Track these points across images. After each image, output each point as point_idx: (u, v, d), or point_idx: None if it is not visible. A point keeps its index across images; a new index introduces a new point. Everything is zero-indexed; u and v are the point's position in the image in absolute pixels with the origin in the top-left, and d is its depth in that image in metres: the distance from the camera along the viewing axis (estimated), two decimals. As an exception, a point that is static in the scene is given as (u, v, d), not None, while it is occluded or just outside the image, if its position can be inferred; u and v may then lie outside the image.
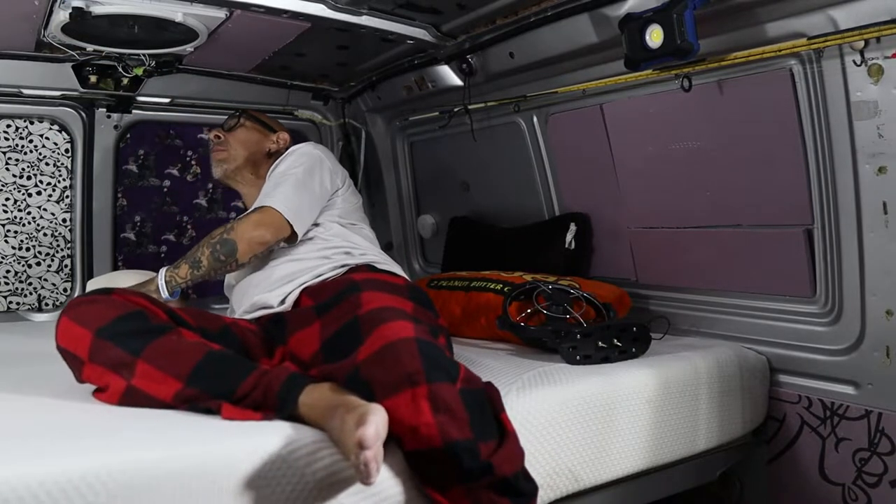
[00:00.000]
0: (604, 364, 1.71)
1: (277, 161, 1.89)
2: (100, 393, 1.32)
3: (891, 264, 1.61)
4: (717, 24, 1.73)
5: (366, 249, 1.83)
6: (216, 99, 2.80)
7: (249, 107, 2.18)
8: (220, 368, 1.29)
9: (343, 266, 1.73)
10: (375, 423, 1.09)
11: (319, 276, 1.71)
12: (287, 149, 1.96)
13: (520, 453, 1.24)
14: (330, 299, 1.57)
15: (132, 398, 1.27)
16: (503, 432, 1.24)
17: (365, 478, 1.08)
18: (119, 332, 1.30)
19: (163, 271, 1.71)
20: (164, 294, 1.68)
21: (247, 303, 1.75)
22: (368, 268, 1.73)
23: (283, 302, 1.69)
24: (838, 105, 1.63)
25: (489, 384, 1.31)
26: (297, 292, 1.68)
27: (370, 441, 1.07)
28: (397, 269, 1.80)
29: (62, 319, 1.34)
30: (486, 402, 1.25)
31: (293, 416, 1.23)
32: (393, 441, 1.19)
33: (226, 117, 2.07)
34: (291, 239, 1.76)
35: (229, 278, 1.92)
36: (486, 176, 2.80)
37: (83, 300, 1.38)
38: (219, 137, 2.00)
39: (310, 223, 1.79)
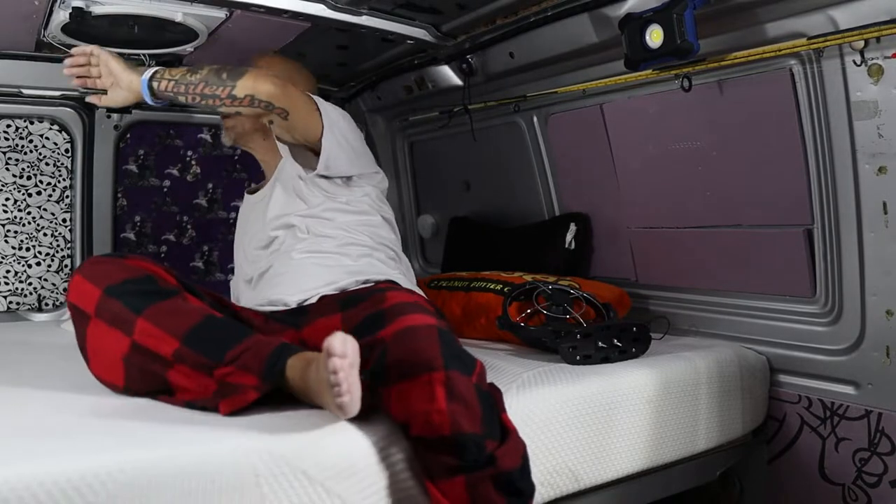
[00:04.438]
0: (604, 364, 1.71)
1: None
2: (99, 361, 1.33)
3: (891, 264, 1.61)
4: (717, 24, 1.73)
5: (387, 260, 1.75)
6: (216, 99, 2.80)
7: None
8: (216, 332, 1.30)
9: (367, 282, 1.65)
10: (342, 336, 1.10)
11: (342, 290, 1.63)
12: None
13: (521, 448, 1.24)
14: (354, 295, 1.55)
15: (136, 356, 1.28)
16: (505, 432, 1.24)
17: (339, 394, 1.09)
18: (126, 291, 1.32)
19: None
20: (144, 78, 1.56)
21: (261, 298, 1.69)
22: (391, 283, 1.66)
23: (301, 303, 1.63)
24: (838, 105, 1.63)
25: (492, 385, 1.31)
26: (315, 298, 1.62)
27: (337, 347, 1.08)
28: (417, 288, 1.74)
29: (75, 276, 1.36)
30: (494, 403, 1.26)
31: (282, 385, 1.24)
32: (398, 429, 1.20)
33: None
34: (307, 130, 1.63)
35: (241, 271, 1.85)
36: (486, 176, 2.80)
37: (98, 260, 1.41)
38: None
39: (337, 140, 1.67)
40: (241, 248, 1.93)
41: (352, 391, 1.11)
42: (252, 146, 1.94)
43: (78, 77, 1.61)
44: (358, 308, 1.48)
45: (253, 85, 1.54)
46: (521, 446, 1.25)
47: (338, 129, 1.69)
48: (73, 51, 1.61)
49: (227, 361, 1.25)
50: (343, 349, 1.09)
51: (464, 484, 1.16)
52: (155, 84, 1.56)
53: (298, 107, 1.62)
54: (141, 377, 1.31)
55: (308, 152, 1.74)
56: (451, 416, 1.16)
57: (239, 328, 1.35)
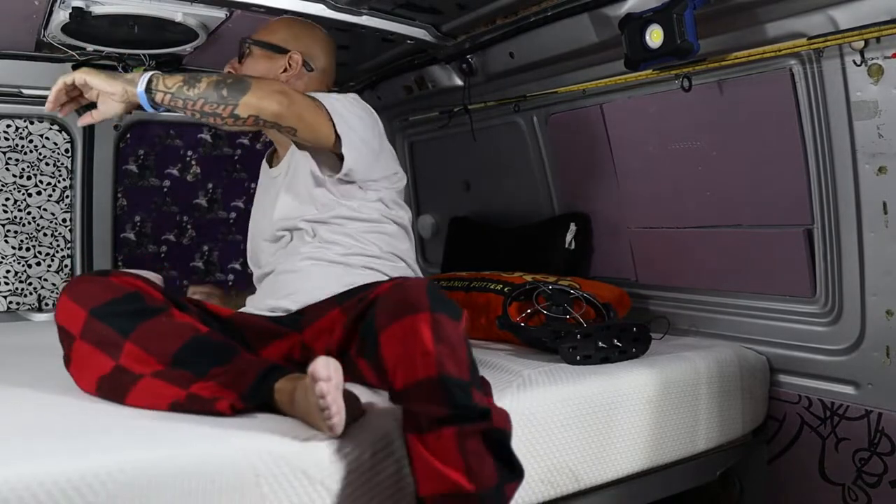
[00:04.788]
0: (604, 364, 1.71)
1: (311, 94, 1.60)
2: (81, 380, 1.33)
3: (891, 264, 1.61)
4: (717, 24, 1.73)
5: (393, 272, 1.68)
6: (216, 99, 2.81)
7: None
8: (202, 352, 1.31)
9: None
10: (324, 360, 1.11)
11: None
12: (304, 68, 1.81)
13: (509, 419, 1.21)
14: (351, 290, 1.55)
15: (114, 380, 1.28)
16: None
17: (329, 417, 1.10)
18: (112, 312, 1.31)
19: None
20: (140, 89, 1.40)
21: (262, 304, 1.68)
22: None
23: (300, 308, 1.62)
24: (838, 105, 1.63)
25: (482, 377, 1.30)
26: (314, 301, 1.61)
27: (321, 372, 1.09)
28: None
29: (61, 297, 1.36)
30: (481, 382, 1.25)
31: (271, 404, 1.25)
32: (398, 426, 1.18)
33: None
34: (318, 140, 1.52)
35: (254, 255, 1.80)
36: (486, 176, 2.80)
37: (82, 279, 1.40)
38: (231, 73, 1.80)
39: (360, 156, 1.57)
40: (256, 224, 1.86)
41: (340, 412, 1.12)
42: (264, 129, 1.78)
43: (62, 107, 1.48)
44: (356, 297, 1.47)
45: (257, 104, 1.43)
46: (510, 420, 1.20)
47: (353, 132, 1.59)
48: (47, 101, 1.46)
49: (209, 377, 1.26)
50: (327, 372, 1.10)
51: (453, 436, 1.10)
52: (152, 96, 1.43)
53: (308, 122, 1.52)
54: (109, 391, 1.31)
55: (324, 149, 1.64)
56: (437, 357, 1.12)
57: (226, 348, 1.34)
